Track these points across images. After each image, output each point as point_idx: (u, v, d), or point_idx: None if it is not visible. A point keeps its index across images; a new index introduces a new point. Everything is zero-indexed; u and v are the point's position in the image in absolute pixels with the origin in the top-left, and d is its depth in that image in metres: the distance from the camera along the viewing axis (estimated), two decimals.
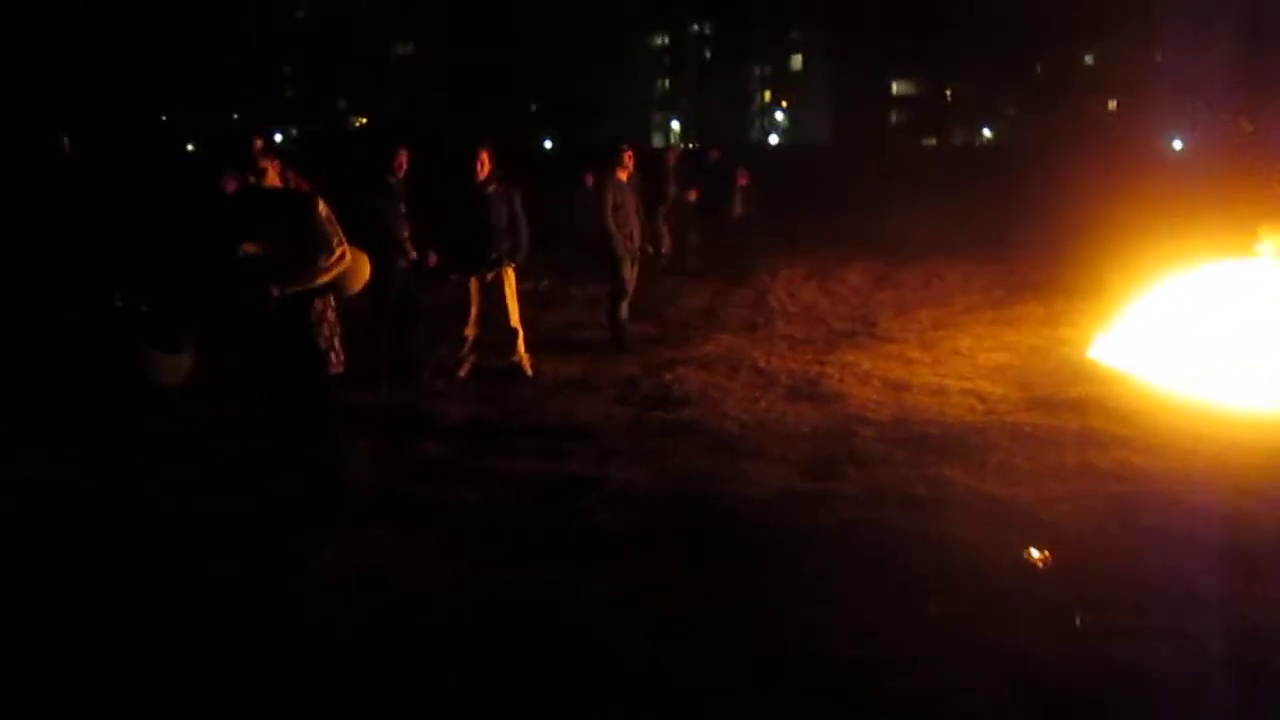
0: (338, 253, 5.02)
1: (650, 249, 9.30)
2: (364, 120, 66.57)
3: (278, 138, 54.88)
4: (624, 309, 9.23)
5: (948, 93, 73.87)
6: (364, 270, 5.25)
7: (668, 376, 8.19)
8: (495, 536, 5.09)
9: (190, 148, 37.70)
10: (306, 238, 4.97)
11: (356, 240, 5.28)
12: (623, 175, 9.11)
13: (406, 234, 7.73)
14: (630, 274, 9.15)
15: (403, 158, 7.81)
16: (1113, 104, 66.57)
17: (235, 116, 52.06)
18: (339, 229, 5.06)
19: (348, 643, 4.07)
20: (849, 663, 3.88)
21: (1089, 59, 70.27)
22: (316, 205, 5.02)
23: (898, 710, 3.62)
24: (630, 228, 9.02)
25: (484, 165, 7.85)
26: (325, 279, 5.02)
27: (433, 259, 7.85)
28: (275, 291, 4.88)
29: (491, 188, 7.92)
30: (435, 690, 3.77)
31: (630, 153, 9.30)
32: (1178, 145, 47.37)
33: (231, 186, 8.58)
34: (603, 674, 3.85)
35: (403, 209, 7.79)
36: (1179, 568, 4.67)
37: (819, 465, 6.12)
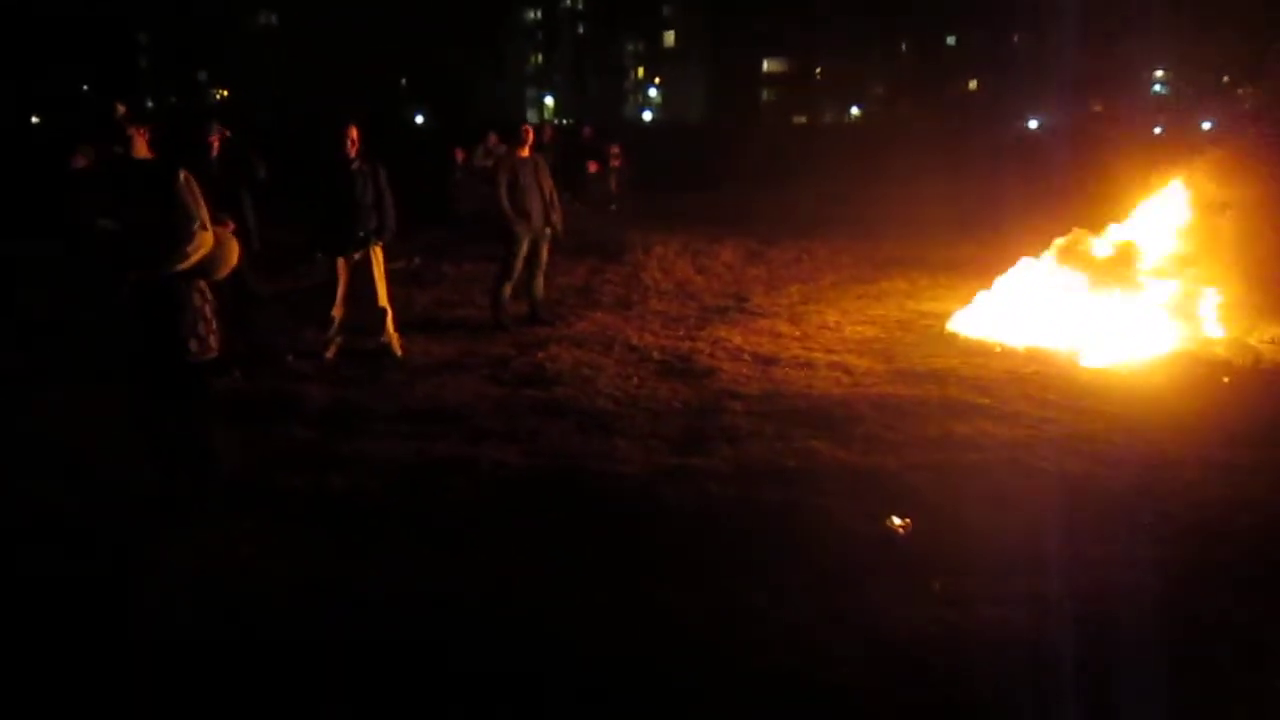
0: (198, 233, 4.75)
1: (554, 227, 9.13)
2: (225, 93, 64.12)
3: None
4: (507, 289, 9.11)
5: (818, 71, 75.22)
6: (231, 253, 5.00)
7: (540, 355, 8.13)
8: (363, 523, 4.98)
9: (35, 120, 35.70)
10: (168, 214, 4.68)
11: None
12: (523, 153, 9.00)
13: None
14: (524, 253, 9.01)
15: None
16: (973, 84, 68.87)
17: (85, 87, 49.47)
18: (203, 207, 4.79)
19: (204, 643, 3.92)
20: (720, 640, 3.92)
21: (951, 40, 72.53)
22: (178, 177, 4.73)
23: (768, 685, 3.67)
24: (527, 206, 8.89)
25: (352, 142, 7.62)
26: (187, 264, 4.74)
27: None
28: (132, 276, 4.63)
29: (357, 165, 7.70)
30: (297, 692, 3.67)
31: (530, 130, 9.21)
32: (1033, 125, 49.26)
33: (82, 162, 8.22)
34: (470, 663, 3.81)
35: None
36: (1033, 532, 4.88)
37: (690, 441, 6.17)
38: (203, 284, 4.89)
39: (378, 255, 7.86)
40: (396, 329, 8.10)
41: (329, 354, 7.88)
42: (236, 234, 7.34)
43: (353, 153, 7.65)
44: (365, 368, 7.73)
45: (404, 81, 62.30)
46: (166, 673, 3.72)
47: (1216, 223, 9.36)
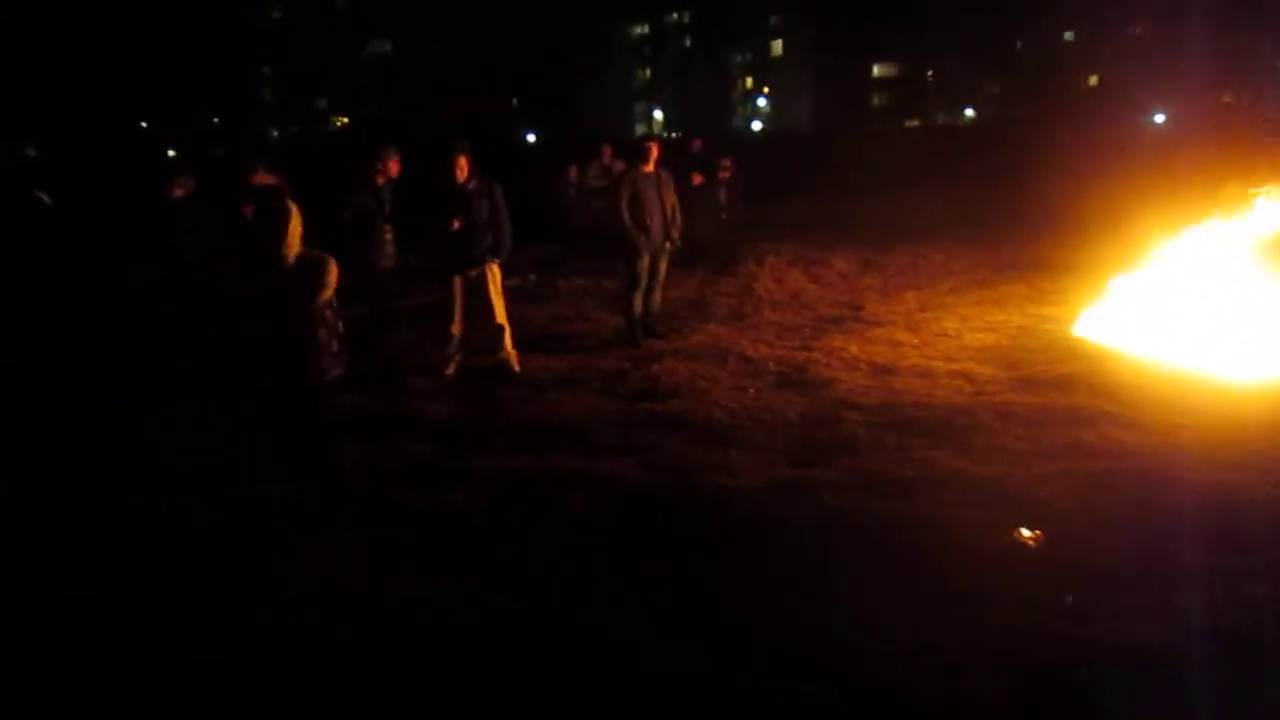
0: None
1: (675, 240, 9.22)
2: (344, 120, 66.32)
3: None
4: (638, 302, 9.20)
5: (929, 74, 73.89)
6: (332, 275, 5.18)
7: (655, 368, 8.17)
8: (484, 538, 5.07)
9: (171, 153, 37.48)
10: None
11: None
12: (646, 168, 9.11)
13: (390, 234, 7.75)
14: (645, 267, 9.10)
15: (391, 162, 7.91)
16: (1094, 80, 66.69)
17: (215, 120, 51.86)
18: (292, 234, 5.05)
19: (332, 659, 4.03)
20: (845, 655, 3.88)
21: (1069, 36, 70.40)
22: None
23: (893, 701, 3.61)
24: (647, 220, 8.97)
25: (461, 169, 7.80)
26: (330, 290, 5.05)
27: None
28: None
29: (472, 185, 7.88)
30: (429, 705, 3.75)
31: (656, 145, 9.32)
32: (1159, 119, 47.43)
33: (179, 192, 8.67)
34: (606, 673, 3.84)
35: (387, 210, 7.84)
36: (1167, 544, 4.69)
37: (808, 452, 6.12)
38: (327, 306, 5.08)
39: (494, 273, 8.02)
40: (514, 345, 8.24)
41: (449, 370, 8.06)
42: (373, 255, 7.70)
43: (463, 178, 7.83)
44: (484, 384, 7.88)
45: (515, 101, 63.48)
46: (295, 680, 3.85)
47: None
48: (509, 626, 4.17)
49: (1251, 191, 9.24)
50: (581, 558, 4.78)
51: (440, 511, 5.39)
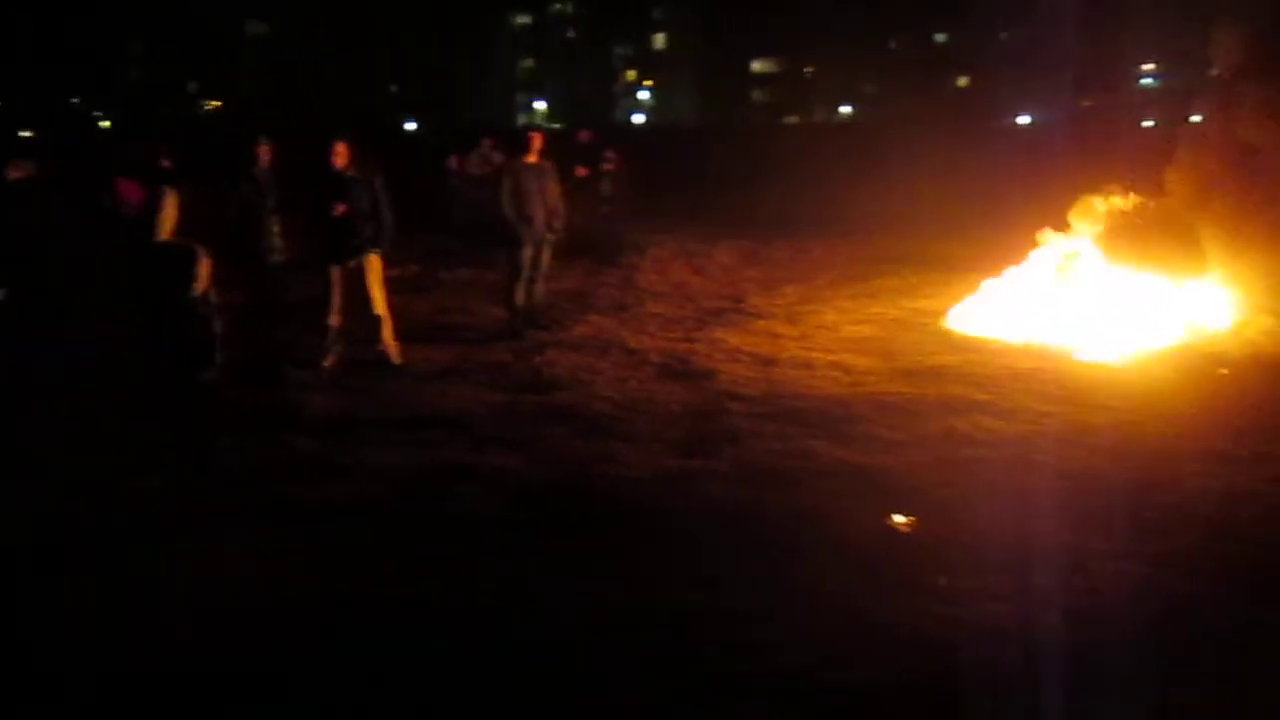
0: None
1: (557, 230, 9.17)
2: (217, 104, 64.09)
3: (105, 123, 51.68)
4: (520, 293, 9.12)
5: (807, 71, 75.31)
6: (205, 267, 5.02)
7: (538, 360, 8.14)
8: (368, 532, 4.98)
9: (29, 134, 35.64)
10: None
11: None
12: (529, 159, 9.03)
13: (278, 226, 7.51)
14: (527, 259, 9.03)
15: (263, 150, 7.61)
16: (964, 81, 68.97)
17: (75, 100, 49.47)
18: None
19: (211, 657, 3.91)
20: (734, 642, 3.93)
21: (940, 38, 72.64)
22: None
23: (782, 686, 3.67)
24: (530, 211, 8.90)
25: (340, 155, 7.63)
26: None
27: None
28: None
29: (352, 173, 7.71)
30: (310, 704, 3.67)
31: (538, 135, 9.24)
32: (1025, 121, 49.35)
33: (15, 174, 8.21)
34: (492, 667, 3.81)
35: (272, 201, 7.59)
36: (1035, 527, 4.89)
37: (691, 443, 6.18)
38: (202, 300, 4.92)
39: (375, 263, 7.86)
40: (395, 337, 8.10)
41: (328, 363, 7.88)
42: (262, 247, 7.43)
43: (342, 164, 7.65)
44: (365, 376, 7.73)
45: (395, 89, 62.32)
46: (173, 687, 3.73)
47: (1207, 214, 9.41)
48: (396, 622, 4.11)
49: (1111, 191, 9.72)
50: (469, 552, 4.73)
51: (324, 506, 5.26)
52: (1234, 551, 4.61)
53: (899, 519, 5.00)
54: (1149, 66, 64.97)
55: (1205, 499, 5.20)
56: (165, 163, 7.87)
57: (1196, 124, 10.91)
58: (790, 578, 4.41)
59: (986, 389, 7.18)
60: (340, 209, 7.50)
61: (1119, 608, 4.17)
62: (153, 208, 4.74)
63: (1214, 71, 10.75)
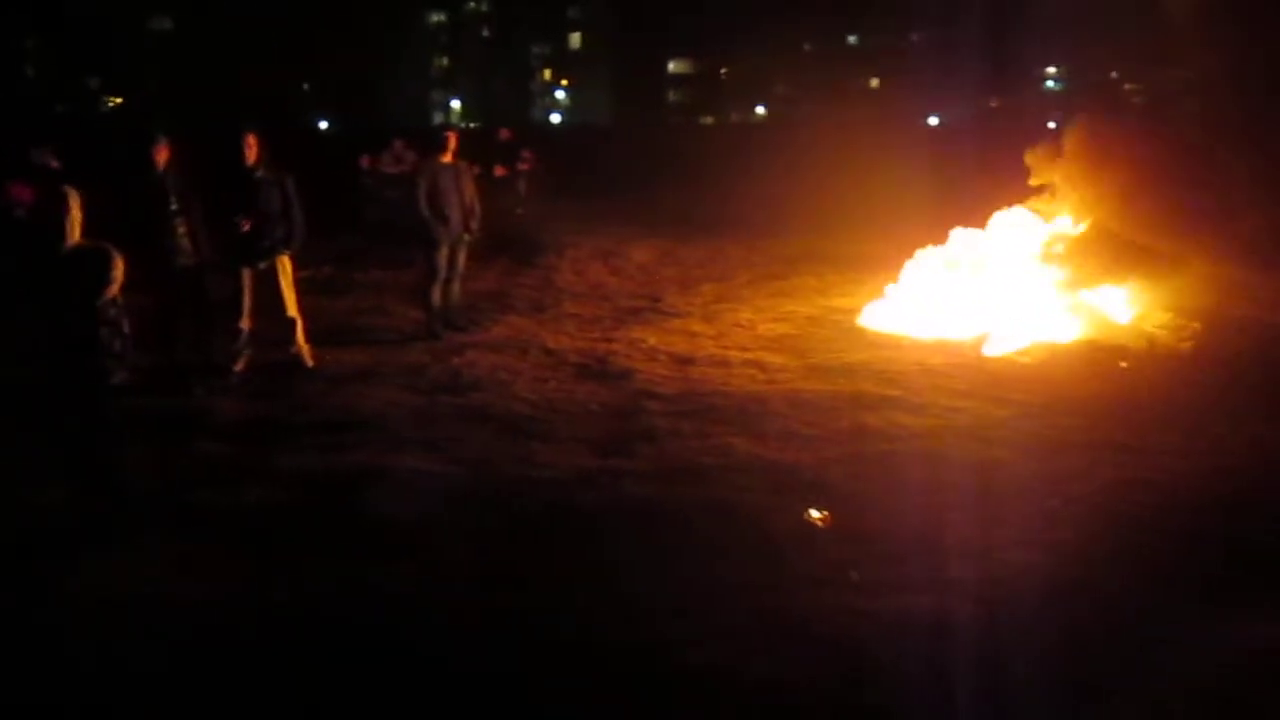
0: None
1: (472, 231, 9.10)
2: (118, 101, 62.19)
3: None
4: (437, 294, 9.02)
5: (723, 72, 75.97)
6: (118, 269, 4.86)
7: (456, 361, 8.09)
8: (281, 538, 4.90)
9: None
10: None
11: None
12: (445, 158, 8.93)
13: (183, 228, 7.28)
14: (444, 259, 8.94)
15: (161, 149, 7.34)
16: (875, 82, 70.23)
17: None
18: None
19: (120, 672, 3.82)
20: (646, 640, 3.95)
21: (852, 40, 73.88)
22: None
23: (690, 682, 3.71)
24: (446, 211, 8.81)
25: (251, 149, 7.48)
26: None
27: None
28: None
29: (262, 173, 7.56)
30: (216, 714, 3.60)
31: (454, 135, 9.15)
32: (934, 121, 50.43)
33: None
34: (401, 670, 3.78)
35: (174, 202, 7.34)
36: (944, 519, 5.02)
37: (609, 443, 6.20)
38: (111, 303, 4.78)
39: (285, 265, 7.73)
40: (307, 339, 7.97)
41: (239, 367, 7.72)
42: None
43: (252, 159, 7.51)
44: (277, 380, 7.59)
45: (306, 86, 61.17)
46: (81, 701, 3.63)
47: (1107, 212, 9.73)
48: (306, 629, 4.05)
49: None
50: (384, 555, 4.68)
51: (235, 513, 5.17)
52: (1132, 539, 4.79)
53: (813, 513, 5.09)
54: (1052, 70, 66.92)
55: (1105, 489, 5.39)
56: (53, 163, 7.61)
57: (1095, 125, 11.26)
58: (705, 574, 4.46)
59: (898, 385, 7.34)
60: (245, 225, 7.35)
61: (1023, 596, 4.30)
62: (48, 210, 4.58)
63: (1113, 74, 11.11)
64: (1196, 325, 8.71)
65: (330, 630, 4.04)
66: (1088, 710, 3.54)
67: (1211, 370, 7.68)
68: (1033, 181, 10.10)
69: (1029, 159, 10.09)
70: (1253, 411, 6.62)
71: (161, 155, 7.19)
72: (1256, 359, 7.91)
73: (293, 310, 7.80)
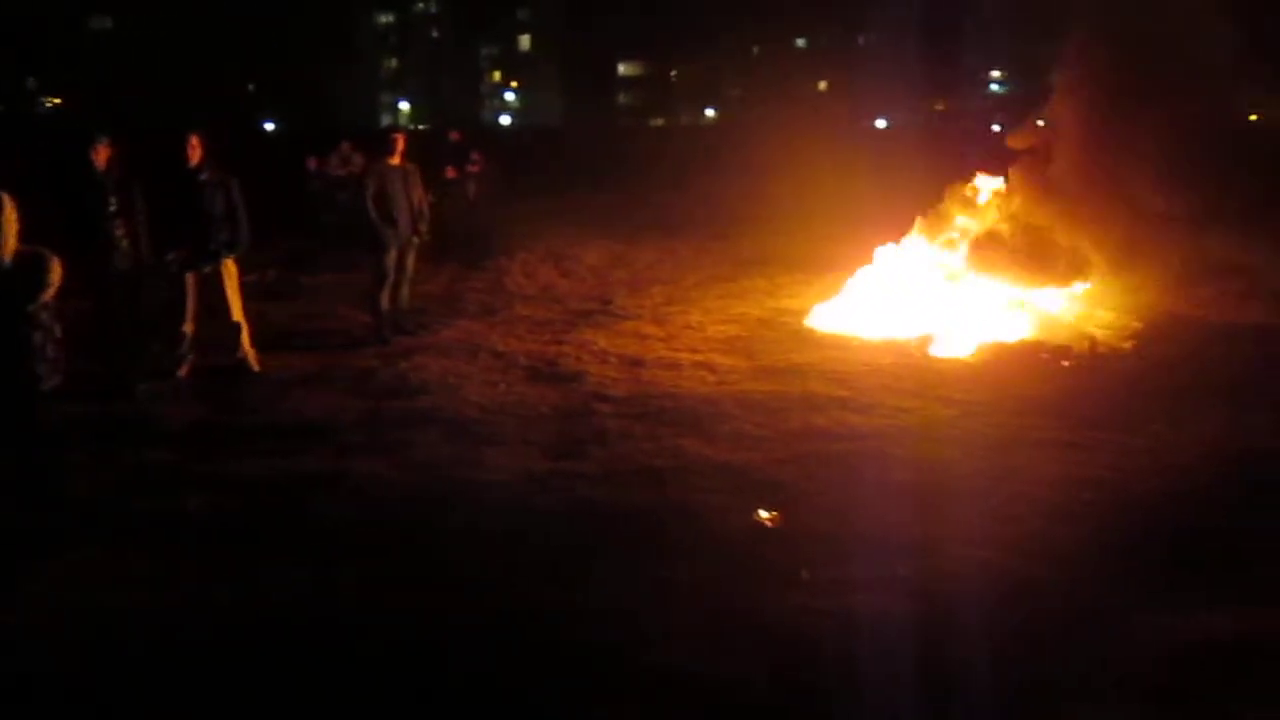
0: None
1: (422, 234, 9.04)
2: (57, 101, 60.93)
3: None
4: (385, 298, 8.94)
5: (673, 74, 76.19)
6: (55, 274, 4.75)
7: (405, 365, 8.03)
8: (226, 546, 4.82)
9: None
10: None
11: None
12: (393, 161, 8.85)
13: (121, 230, 7.14)
14: (392, 262, 8.86)
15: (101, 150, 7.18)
16: (823, 85, 70.78)
17: None
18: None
19: (62, 687, 3.73)
20: (598, 641, 3.95)
21: (801, 43, 74.42)
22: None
23: (646, 683, 3.71)
24: (394, 214, 8.73)
25: (194, 150, 7.36)
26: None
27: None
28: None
29: (206, 175, 7.45)
30: None
31: (401, 137, 9.07)
32: (881, 124, 50.97)
33: None
34: (352, 681, 3.74)
35: (114, 203, 7.20)
36: (892, 517, 5.07)
37: (560, 445, 6.19)
38: (43, 308, 4.67)
39: (230, 269, 7.62)
40: (253, 344, 7.87)
41: (182, 372, 7.60)
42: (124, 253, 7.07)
43: (195, 161, 7.39)
44: (222, 385, 7.48)
45: (252, 88, 60.36)
46: (16, 714, 3.55)
47: (1049, 215, 9.90)
48: (252, 639, 3.99)
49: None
50: (332, 562, 4.63)
51: (178, 521, 5.08)
52: (1075, 535, 4.87)
53: (764, 514, 5.11)
54: (996, 73, 67.93)
55: (1048, 486, 5.47)
56: None
57: (1040, 128, 11.45)
58: (658, 575, 4.46)
59: (846, 385, 7.40)
60: (174, 256, 7.24)
61: (971, 593, 4.36)
62: None
63: (1055, 78, 11.30)
64: (1138, 325, 8.89)
65: (279, 639, 3.99)
66: (1033, 705, 3.58)
67: (1152, 369, 7.83)
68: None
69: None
70: (1192, 409, 6.76)
71: (101, 156, 7.05)
72: (1196, 358, 8.08)
73: (238, 314, 7.69)
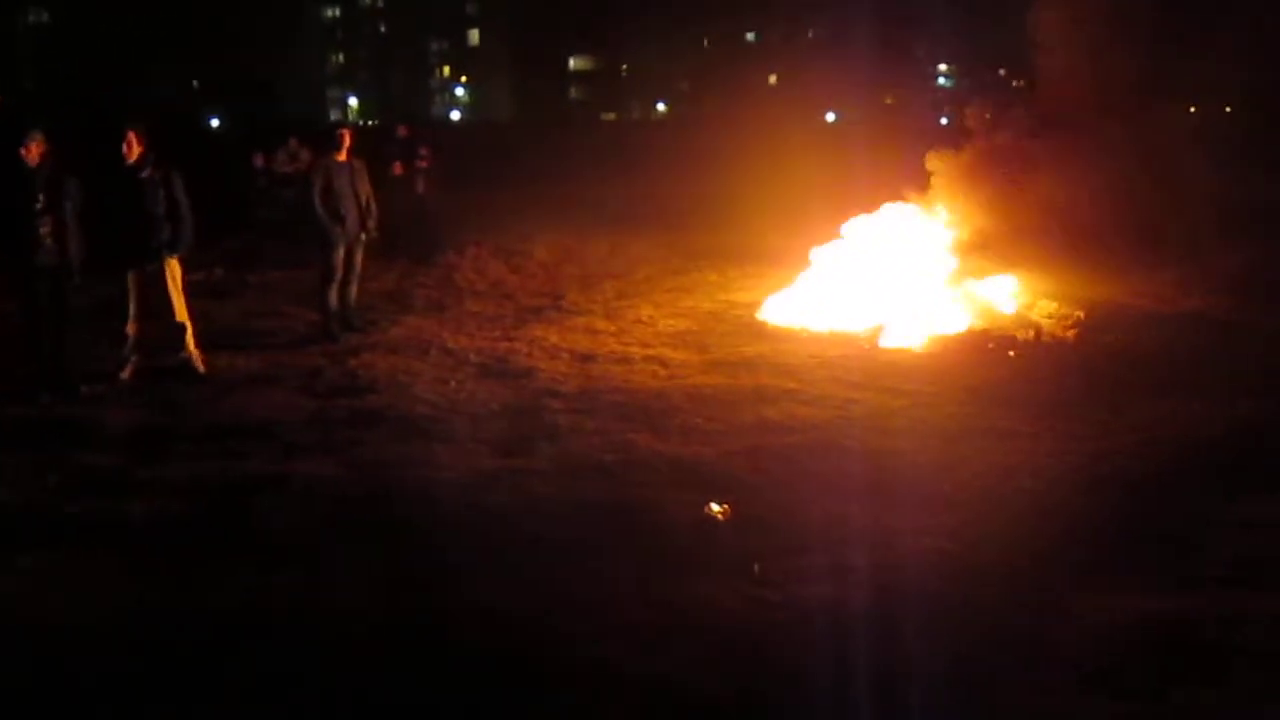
0: None
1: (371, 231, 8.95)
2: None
3: None
4: (333, 295, 8.83)
5: (623, 68, 76.11)
6: None
7: (353, 363, 7.94)
8: (168, 551, 4.73)
9: None
10: None
11: None
12: (339, 156, 8.75)
13: (47, 228, 6.97)
14: (340, 259, 8.76)
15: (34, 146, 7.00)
16: (773, 79, 71.07)
17: None
18: None
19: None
20: (546, 637, 3.94)
21: (751, 37, 74.67)
22: None
23: (596, 678, 3.70)
24: (342, 211, 8.63)
25: (131, 147, 7.22)
26: None
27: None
28: None
29: (147, 172, 7.31)
30: None
31: (348, 132, 8.97)
32: (830, 117, 51.31)
33: None
34: (301, 687, 3.70)
35: (41, 200, 7.01)
36: (842, 508, 5.12)
37: (510, 442, 6.16)
38: None
39: (173, 268, 7.48)
40: (198, 344, 7.74)
41: (125, 374, 7.46)
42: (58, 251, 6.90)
43: (132, 158, 7.26)
44: (167, 387, 7.35)
45: (196, 83, 59.37)
46: None
47: (995, 206, 10.04)
48: (196, 644, 3.93)
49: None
50: (280, 565, 4.57)
51: (119, 525, 4.99)
52: (1018, 522, 4.95)
53: (715, 507, 5.13)
54: (943, 67, 68.65)
55: (994, 474, 5.56)
56: None
57: (989, 120, 11.61)
58: (607, 571, 4.47)
59: (796, 377, 7.45)
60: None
61: (919, 581, 4.41)
62: None
63: (1001, 71, 11.46)
64: (1080, 314, 9.04)
65: (223, 643, 3.93)
66: (977, 690, 3.63)
67: (1094, 357, 7.97)
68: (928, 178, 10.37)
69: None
70: (1132, 397, 6.89)
71: (34, 152, 6.89)
72: (1136, 346, 8.24)
73: (181, 315, 7.56)
